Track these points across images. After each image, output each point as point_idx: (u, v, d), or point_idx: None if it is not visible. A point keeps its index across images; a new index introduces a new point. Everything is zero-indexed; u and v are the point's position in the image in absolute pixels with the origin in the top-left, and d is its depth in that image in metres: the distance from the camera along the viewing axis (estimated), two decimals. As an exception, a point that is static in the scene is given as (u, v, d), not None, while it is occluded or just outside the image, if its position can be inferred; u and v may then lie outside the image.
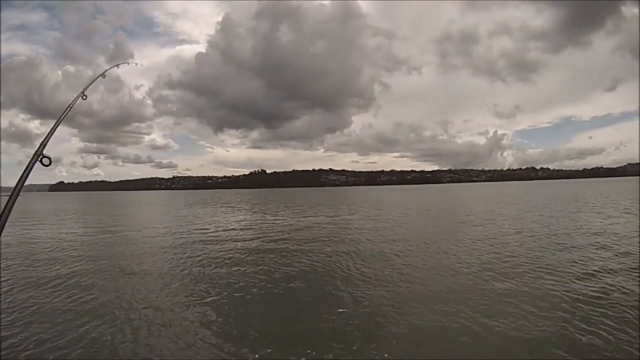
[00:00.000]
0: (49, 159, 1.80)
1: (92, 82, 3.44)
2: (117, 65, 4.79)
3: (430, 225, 19.38)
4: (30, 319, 6.06)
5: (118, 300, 7.10)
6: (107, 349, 5.00)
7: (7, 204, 1.65)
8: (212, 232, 17.73)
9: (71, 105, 2.90)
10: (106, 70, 4.09)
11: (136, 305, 6.79)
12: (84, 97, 3.09)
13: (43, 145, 1.90)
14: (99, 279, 8.65)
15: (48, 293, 7.54)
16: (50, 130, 2.21)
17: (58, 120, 2.48)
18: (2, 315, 6.04)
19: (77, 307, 6.64)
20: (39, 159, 1.82)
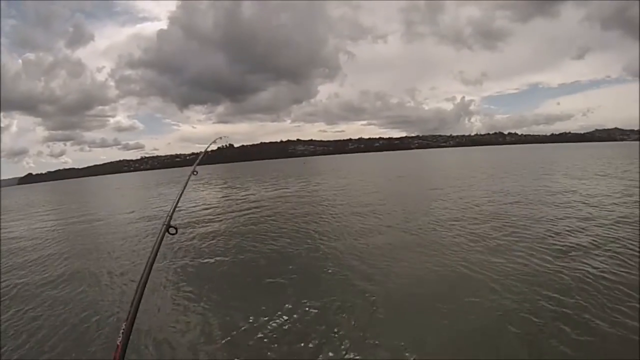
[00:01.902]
0: (176, 229, 2.03)
1: (203, 154, 3.87)
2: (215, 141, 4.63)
3: (403, 192, 19.42)
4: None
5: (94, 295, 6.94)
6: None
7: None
8: (187, 210, 17.11)
9: (187, 180, 3.13)
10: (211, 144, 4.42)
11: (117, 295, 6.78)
12: (195, 173, 3.33)
13: (170, 217, 2.12)
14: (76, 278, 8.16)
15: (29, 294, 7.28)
16: (174, 204, 2.36)
17: (180, 192, 2.69)
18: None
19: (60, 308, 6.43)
20: (167, 229, 2.02)
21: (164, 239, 1.91)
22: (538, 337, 4.37)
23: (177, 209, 2.37)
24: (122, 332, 1.39)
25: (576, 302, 5.10)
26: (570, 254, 7.17)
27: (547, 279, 6.02)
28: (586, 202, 12.16)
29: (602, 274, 6.00)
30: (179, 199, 2.49)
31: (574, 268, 6.39)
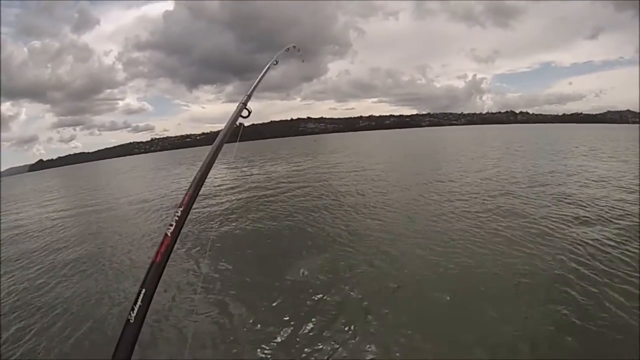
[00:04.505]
0: (249, 111, 1.96)
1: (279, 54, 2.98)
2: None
3: (417, 171, 18.79)
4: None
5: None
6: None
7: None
8: (205, 189, 16.59)
9: (266, 71, 2.66)
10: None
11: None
12: (275, 63, 2.91)
13: (248, 97, 2.07)
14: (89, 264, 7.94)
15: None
16: (254, 84, 2.27)
17: (257, 81, 2.40)
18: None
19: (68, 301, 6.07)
20: (241, 110, 1.95)
21: (239, 116, 1.91)
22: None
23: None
24: (175, 220, 1.25)
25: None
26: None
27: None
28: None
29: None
30: (260, 80, 2.42)
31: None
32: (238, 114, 1.91)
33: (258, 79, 2.44)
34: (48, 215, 15.71)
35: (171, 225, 1.23)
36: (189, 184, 1.37)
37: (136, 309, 1.05)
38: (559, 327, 4.24)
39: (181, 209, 1.29)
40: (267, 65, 2.75)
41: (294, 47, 3.35)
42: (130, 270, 7.18)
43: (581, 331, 4.15)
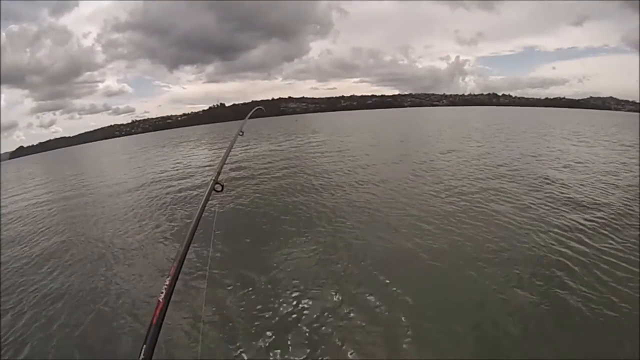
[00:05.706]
0: (222, 186, 2.06)
1: (247, 118, 3.78)
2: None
3: (399, 152, 19.23)
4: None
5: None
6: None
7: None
8: (181, 171, 18.03)
9: (234, 140, 3.12)
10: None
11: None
12: (241, 134, 3.40)
13: (218, 173, 2.19)
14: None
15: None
16: (222, 163, 2.43)
17: (227, 151, 2.76)
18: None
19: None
20: (214, 185, 2.06)
21: (210, 195, 1.95)
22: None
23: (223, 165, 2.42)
24: (165, 288, 1.36)
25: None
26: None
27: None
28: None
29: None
30: (226, 157, 2.50)
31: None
32: (211, 188, 2.03)
33: (227, 152, 2.62)
34: (34, 209, 15.39)
35: (162, 292, 1.35)
36: (175, 254, 1.49)
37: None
38: (556, 325, 4.24)
39: (169, 278, 1.41)
40: (235, 134, 2.97)
41: (261, 108, 3.92)
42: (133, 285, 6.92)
43: (580, 330, 4.15)
